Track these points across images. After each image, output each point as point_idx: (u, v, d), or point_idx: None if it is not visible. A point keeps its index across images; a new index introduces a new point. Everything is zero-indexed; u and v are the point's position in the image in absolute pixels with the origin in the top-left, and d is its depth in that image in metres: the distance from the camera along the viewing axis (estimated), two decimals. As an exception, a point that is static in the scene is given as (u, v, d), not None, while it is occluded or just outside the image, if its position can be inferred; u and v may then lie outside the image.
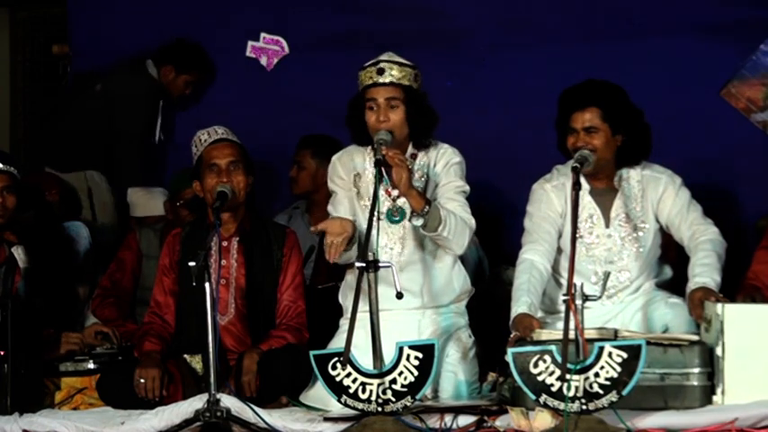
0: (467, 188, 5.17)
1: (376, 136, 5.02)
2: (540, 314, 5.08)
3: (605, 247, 5.17)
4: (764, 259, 5.31)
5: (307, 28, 6.93)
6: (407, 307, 5.10)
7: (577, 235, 5.05)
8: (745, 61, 6.47)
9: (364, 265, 4.61)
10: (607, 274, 4.86)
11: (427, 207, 4.94)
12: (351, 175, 5.23)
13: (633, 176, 5.20)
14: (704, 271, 5.00)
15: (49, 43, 7.58)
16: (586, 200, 5.17)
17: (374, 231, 4.73)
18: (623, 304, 5.16)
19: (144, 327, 5.40)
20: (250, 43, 7.05)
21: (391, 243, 5.15)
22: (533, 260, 5.12)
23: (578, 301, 4.43)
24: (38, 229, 5.89)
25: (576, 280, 4.57)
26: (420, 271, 5.17)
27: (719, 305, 4.66)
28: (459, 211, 5.06)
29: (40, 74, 8.08)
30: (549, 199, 5.21)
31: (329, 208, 5.29)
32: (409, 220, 5.09)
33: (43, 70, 8.03)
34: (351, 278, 5.21)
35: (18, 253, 5.52)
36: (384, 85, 5.06)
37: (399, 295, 4.73)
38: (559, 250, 5.22)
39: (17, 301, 5.19)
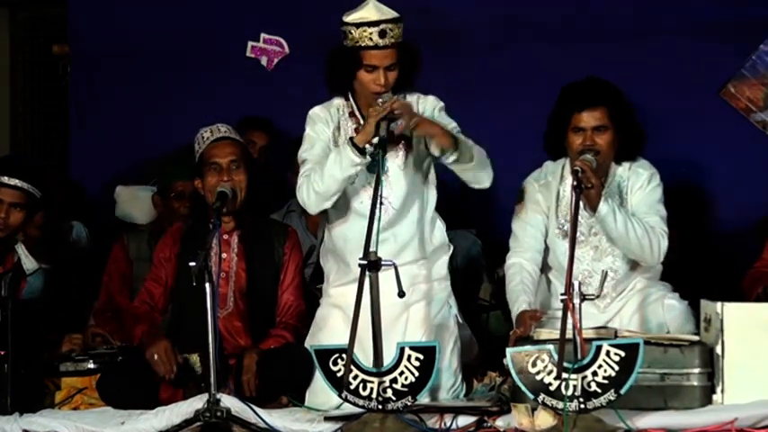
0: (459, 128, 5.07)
1: (380, 99, 4.87)
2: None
3: (591, 246, 5.15)
4: None
5: (307, 28, 6.92)
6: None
7: (558, 230, 5.06)
8: (745, 61, 6.47)
9: (366, 263, 4.56)
10: (605, 273, 4.82)
11: (454, 141, 4.86)
12: (331, 128, 5.10)
13: (620, 173, 5.16)
14: None
15: (48, 43, 7.58)
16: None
17: (374, 232, 4.69)
18: (621, 302, 5.14)
19: (133, 310, 5.36)
20: (250, 43, 7.05)
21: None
22: (521, 262, 5.12)
23: (576, 300, 4.43)
24: (46, 230, 5.92)
25: (562, 281, 4.53)
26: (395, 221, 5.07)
27: (719, 304, 4.66)
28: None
29: (40, 74, 8.09)
30: (536, 200, 5.17)
31: (304, 148, 5.08)
32: (437, 159, 4.96)
33: (43, 70, 8.04)
34: (327, 239, 5.18)
35: (21, 251, 5.55)
36: (386, 47, 4.91)
37: (401, 294, 4.69)
38: (547, 249, 5.20)
39: (18, 302, 5.19)
